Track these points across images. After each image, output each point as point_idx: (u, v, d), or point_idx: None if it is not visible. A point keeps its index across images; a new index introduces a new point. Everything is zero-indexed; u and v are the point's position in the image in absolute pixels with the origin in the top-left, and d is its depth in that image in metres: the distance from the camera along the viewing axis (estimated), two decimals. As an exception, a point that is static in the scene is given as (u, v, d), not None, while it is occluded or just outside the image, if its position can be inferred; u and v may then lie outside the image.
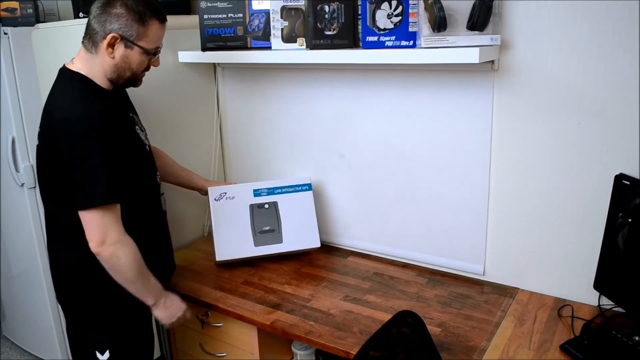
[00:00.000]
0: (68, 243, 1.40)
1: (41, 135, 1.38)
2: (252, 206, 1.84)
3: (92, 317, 1.42)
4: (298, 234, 1.85)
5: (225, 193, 1.83)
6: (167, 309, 1.47)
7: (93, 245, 1.29)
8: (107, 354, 1.43)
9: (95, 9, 1.33)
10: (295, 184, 1.88)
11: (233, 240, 1.80)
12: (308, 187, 1.88)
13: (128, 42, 1.34)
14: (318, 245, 1.87)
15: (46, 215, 1.46)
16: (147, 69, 1.44)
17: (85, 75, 1.36)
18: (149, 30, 1.36)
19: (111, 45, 1.33)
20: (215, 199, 1.81)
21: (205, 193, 1.86)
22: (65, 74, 1.39)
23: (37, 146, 1.41)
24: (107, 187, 1.28)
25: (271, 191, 1.86)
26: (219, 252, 1.79)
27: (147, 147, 1.53)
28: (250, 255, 1.81)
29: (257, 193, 1.85)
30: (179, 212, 2.00)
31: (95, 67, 1.37)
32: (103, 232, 1.29)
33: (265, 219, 1.83)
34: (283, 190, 1.87)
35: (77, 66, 1.37)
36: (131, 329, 1.49)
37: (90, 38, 1.35)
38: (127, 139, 1.42)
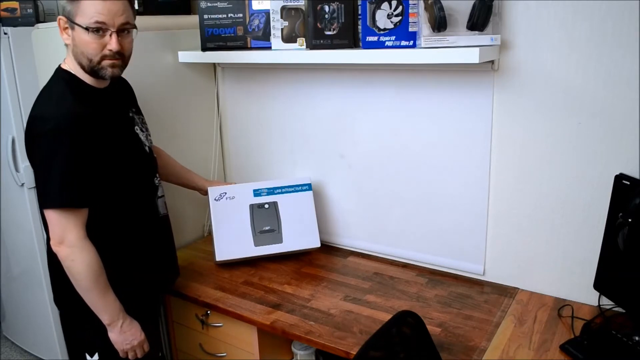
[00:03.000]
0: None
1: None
2: (252, 206, 1.84)
3: (84, 318, 1.40)
4: (298, 233, 1.85)
5: (225, 193, 1.83)
6: (123, 334, 1.40)
7: (52, 243, 1.30)
8: (96, 356, 1.43)
9: None
10: (295, 184, 1.88)
11: (233, 240, 1.80)
12: (308, 187, 1.88)
13: (69, 22, 1.29)
14: (318, 245, 1.87)
15: (41, 214, 1.45)
16: (109, 55, 1.31)
17: (74, 73, 1.35)
18: (80, 4, 1.26)
19: (64, 30, 1.31)
20: (215, 199, 1.81)
21: (206, 193, 1.86)
22: (55, 73, 1.38)
23: None
24: (65, 190, 1.27)
25: (271, 191, 1.86)
26: (218, 252, 1.79)
27: (147, 148, 1.52)
28: (250, 255, 1.81)
29: (257, 193, 1.85)
30: (179, 212, 1.99)
31: (71, 59, 1.34)
32: (60, 233, 1.29)
33: (265, 219, 1.83)
34: (283, 190, 1.87)
35: (66, 65, 1.36)
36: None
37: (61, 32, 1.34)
38: (118, 140, 1.39)
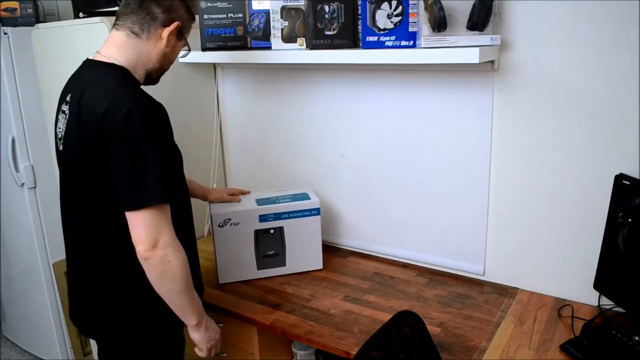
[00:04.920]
0: (111, 254, 1.28)
1: (75, 133, 1.21)
2: (257, 231, 1.74)
3: (129, 341, 1.32)
4: (302, 257, 1.78)
5: (230, 219, 1.71)
6: (207, 331, 1.35)
7: (142, 249, 1.16)
8: None
9: None
10: (303, 209, 1.75)
11: (236, 264, 1.75)
12: (316, 211, 1.76)
13: (180, 33, 1.32)
14: (320, 267, 1.82)
15: (81, 225, 1.30)
16: None
17: (123, 66, 1.25)
18: (192, 26, 1.37)
19: (172, 33, 1.29)
20: (219, 226, 1.71)
21: (205, 199, 1.80)
22: (98, 65, 1.26)
23: (65, 144, 1.26)
24: (162, 185, 1.16)
25: (278, 216, 1.75)
26: (221, 274, 1.76)
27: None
28: (252, 278, 1.78)
29: (263, 218, 1.74)
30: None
31: (139, 54, 1.27)
32: (155, 234, 1.16)
33: (269, 244, 1.75)
34: (290, 215, 1.75)
35: (110, 57, 1.26)
36: (168, 347, 1.40)
37: (143, 22, 1.25)
38: (171, 134, 1.32)
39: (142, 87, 1.32)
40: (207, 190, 1.78)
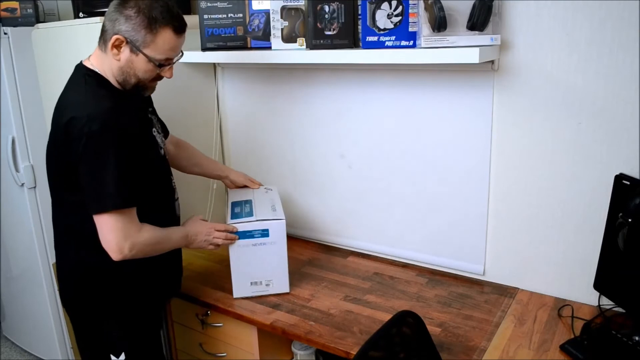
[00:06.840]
0: (76, 245, 1.36)
1: (52, 133, 1.33)
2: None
3: (110, 320, 1.38)
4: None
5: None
6: (196, 242, 1.49)
7: (113, 255, 1.27)
8: (122, 356, 1.40)
9: (111, 6, 1.28)
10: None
11: None
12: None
13: (133, 47, 1.27)
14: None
15: (54, 217, 1.41)
16: (158, 78, 1.37)
17: (100, 73, 1.32)
18: (157, 38, 1.27)
19: (116, 46, 1.27)
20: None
21: (221, 179, 1.82)
22: (80, 70, 1.34)
23: (47, 144, 1.36)
24: (120, 190, 1.23)
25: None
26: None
27: (162, 150, 1.47)
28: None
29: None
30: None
31: (109, 66, 1.32)
32: (120, 241, 1.26)
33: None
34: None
35: (92, 63, 1.34)
36: (144, 328, 1.46)
37: (101, 37, 1.32)
38: (142, 140, 1.36)
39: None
40: (227, 170, 1.84)
